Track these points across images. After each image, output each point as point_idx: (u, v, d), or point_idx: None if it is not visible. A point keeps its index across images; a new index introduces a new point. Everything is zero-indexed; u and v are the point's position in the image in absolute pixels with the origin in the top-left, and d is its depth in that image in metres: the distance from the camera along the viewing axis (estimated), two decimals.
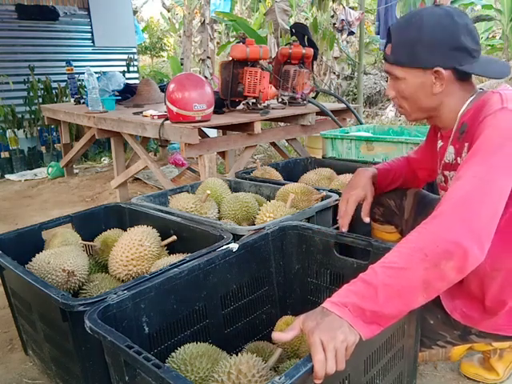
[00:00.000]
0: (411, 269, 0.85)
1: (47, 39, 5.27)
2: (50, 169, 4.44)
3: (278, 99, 3.24)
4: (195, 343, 1.13)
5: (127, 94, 3.89)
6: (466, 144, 1.12)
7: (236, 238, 1.42)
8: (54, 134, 4.93)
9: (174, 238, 1.57)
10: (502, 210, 0.92)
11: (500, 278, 1.10)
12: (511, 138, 0.96)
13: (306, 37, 3.39)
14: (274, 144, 3.81)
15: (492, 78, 1.17)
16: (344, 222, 1.36)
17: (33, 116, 4.96)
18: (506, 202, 0.93)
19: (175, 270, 1.18)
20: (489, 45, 8.74)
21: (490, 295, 1.12)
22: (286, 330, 0.85)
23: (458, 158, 1.19)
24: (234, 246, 1.30)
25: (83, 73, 3.32)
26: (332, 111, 3.20)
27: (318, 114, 3.19)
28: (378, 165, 1.53)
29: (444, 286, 0.87)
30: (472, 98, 1.14)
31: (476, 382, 1.42)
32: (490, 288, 1.11)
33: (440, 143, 1.31)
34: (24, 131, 4.89)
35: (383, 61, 1.22)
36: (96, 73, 3.38)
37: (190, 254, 1.30)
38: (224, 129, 3.31)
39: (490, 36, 9.66)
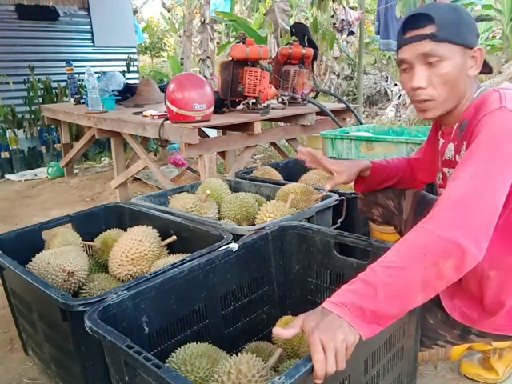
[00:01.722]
0: (410, 268, 0.85)
1: (47, 39, 5.28)
2: (50, 169, 4.44)
3: (278, 99, 3.24)
4: (195, 343, 1.13)
5: (127, 94, 3.89)
6: (465, 142, 1.12)
7: (236, 237, 1.42)
8: (54, 133, 4.93)
9: (174, 238, 1.57)
10: (500, 210, 0.92)
11: (498, 278, 1.10)
12: (509, 138, 0.96)
13: (306, 37, 3.38)
14: (274, 144, 3.81)
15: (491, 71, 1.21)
16: (304, 156, 1.53)
17: (33, 116, 4.95)
18: (504, 201, 0.93)
19: (175, 269, 1.18)
20: (489, 45, 8.73)
21: (489, 295, 1.12)
22: (286, 327, 0.85)
23: (457, 156, 1.19)
24: (234, 246, 1.30)
25: (83, 73, 3.32)
26: (332, 111, 3.19)
27: (318, 113, 3.19)
28: (374, 160, 1.53)
29: (443, 285, 0.87)
30: (476, 94, 1.15)
31: (476, 382, 1.42)
32: (489, 288, 1.11)
33: (441, 141, 1.31)
34: (24, 131, 4.88)
35: (420, 41, 1.08)
36: (96, 73, 3.38)
37: (189, 254, 1.30)
38: (224, 129, 3.31)
39: (490, 36, 9.64)
